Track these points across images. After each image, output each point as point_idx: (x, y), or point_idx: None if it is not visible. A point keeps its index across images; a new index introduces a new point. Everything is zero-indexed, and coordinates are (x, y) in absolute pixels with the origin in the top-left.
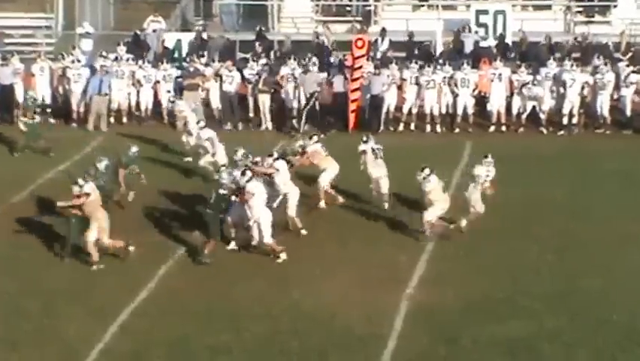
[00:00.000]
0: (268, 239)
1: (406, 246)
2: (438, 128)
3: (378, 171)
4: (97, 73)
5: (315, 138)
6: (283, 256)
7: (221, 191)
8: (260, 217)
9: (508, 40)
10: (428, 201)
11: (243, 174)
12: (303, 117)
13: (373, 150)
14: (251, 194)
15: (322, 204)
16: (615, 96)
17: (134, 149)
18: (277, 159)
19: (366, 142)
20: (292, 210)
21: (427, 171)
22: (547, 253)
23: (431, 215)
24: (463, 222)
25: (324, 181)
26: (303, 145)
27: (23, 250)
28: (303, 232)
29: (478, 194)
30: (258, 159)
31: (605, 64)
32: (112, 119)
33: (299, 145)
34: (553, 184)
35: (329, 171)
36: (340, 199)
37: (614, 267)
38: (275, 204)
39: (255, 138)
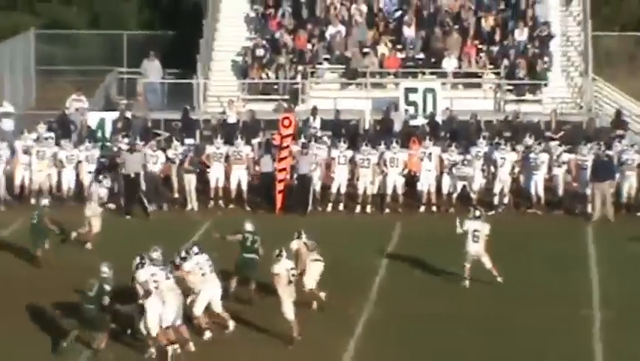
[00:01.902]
0: (199, 312)
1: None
2: (368, 209)
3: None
4: None
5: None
6: (207, 334)
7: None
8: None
9: (438, 118)
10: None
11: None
12: (144, 201)
13: (306, 244)
14: (186, 272)
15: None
16: (547, 176)
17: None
18: (185, 257)
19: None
20: (218, 306)
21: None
22: (476, 337)
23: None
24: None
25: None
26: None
27: None
28: (231, 325)
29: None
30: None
31: (539, 143)
32: (32, 200)
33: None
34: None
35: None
36: None
37: (546, 351)
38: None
39: (180, 219)
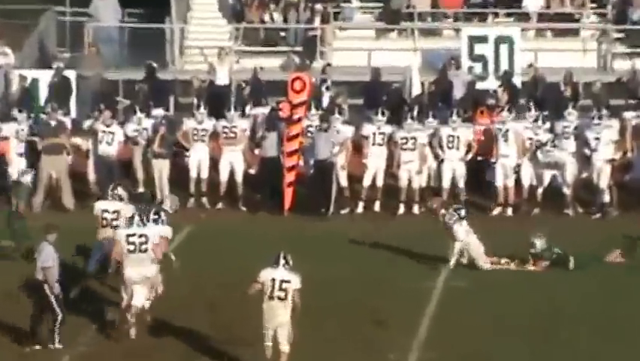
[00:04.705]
0: None
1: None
2: (416, 210)
3: None
4: None
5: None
6: None
7: None
8: None
9: (517, 80)
10: None
11: None
12: None
13: None
14: None
15: None
16: None
17: None
18: None
19: None
20: None
21: None
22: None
23: None
24: None
25: None
26: None
27: None
28: None
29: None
30: None
31: None
32: None
33: None
34: (578, 294)
35: None
36: None
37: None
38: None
39: None
